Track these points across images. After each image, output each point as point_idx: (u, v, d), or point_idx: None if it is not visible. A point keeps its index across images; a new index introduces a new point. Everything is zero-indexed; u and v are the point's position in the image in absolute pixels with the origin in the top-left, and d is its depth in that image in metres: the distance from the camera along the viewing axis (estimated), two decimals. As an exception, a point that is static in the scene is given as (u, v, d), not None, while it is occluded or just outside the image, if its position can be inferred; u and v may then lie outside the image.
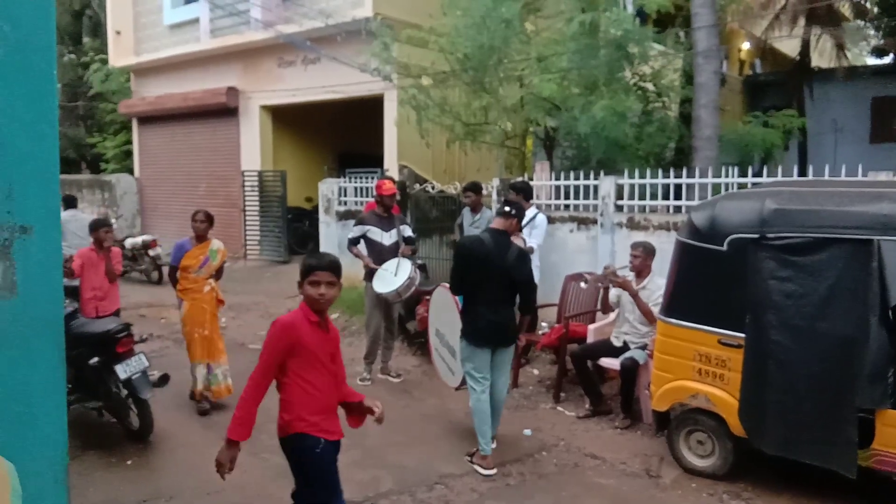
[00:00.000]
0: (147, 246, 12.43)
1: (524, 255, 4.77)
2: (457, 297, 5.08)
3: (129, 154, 18.21)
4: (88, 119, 20.10)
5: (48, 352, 1.68)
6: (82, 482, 4.43)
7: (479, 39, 8.92)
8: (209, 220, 5.89)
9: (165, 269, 12.84)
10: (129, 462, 4.87)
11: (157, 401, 5.23)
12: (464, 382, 5.09)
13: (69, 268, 5.64)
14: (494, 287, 4.64)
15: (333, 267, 3.05)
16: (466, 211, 7.58)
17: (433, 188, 9.86)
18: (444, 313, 5.53)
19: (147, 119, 17.00)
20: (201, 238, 5.84)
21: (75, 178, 18.31)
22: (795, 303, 4.03)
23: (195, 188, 15.95)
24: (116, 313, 6.23)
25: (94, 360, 4.97)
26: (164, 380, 5.37)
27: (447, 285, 5.18)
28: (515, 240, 4.87)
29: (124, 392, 5.10)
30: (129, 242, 12.43)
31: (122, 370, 4.97)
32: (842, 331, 3.88)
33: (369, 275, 6.50)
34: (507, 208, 4.74)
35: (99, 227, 6.09)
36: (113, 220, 6.97)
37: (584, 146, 9.75)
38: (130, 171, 17.82)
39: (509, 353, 4.90)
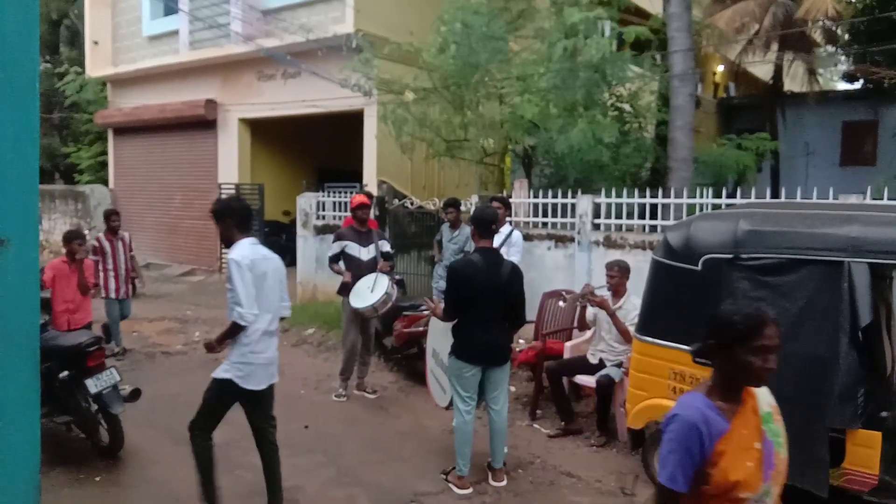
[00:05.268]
0: (120, 258, 12.23)
1: (517, 270, 4.69)
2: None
3: (104, 165, 18.00)
4: (63, 129, 19.86)
5: (23, 368, 1.64)
6: (49, 499, 4.32)
7: (462, 56, 8.99)
8: None
9: (138, 282, 12.64)
10: (97, 479, 4.77)
11: (128, 416, 5.13)
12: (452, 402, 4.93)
13: (40, 280, 5.55)
14: (488, 306, 4.53)
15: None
16: (445, 227, 7.60)
17: (412, 204, 9.87)
18: (442, 334, 5.26)
19: (123, 130, 16.84)
20: None
21: (48, 188, 18.03)
22: (768, 323, 4.08)
23: (171, 200, 15.83)
24: (88, 326, 6.15)
25: (65, 373, 4.87)
26: (135, 395, 5.23)
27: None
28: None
29: (94, 407, 5.01)
30: (102, 254, 12.23)
31: (93, 384, 4.89)
32: (813, 351, 3.93)
33: (344, 289, 6.46)
34: (494, 226, 4.68)
35: (72, 239, 6.02)
36: (86, 232, 6.83)
37: (561, 165, 9.86)
38: (105, 182, 17.62)
39: (505, 371, 4.75)
